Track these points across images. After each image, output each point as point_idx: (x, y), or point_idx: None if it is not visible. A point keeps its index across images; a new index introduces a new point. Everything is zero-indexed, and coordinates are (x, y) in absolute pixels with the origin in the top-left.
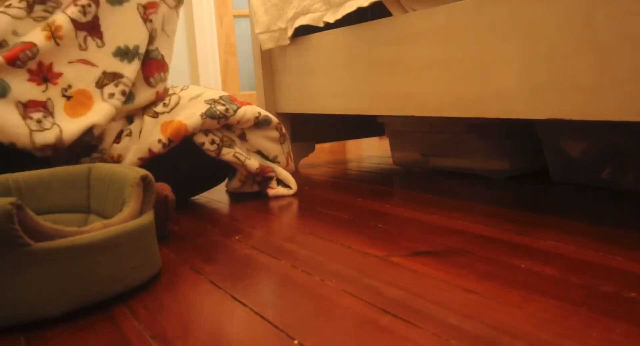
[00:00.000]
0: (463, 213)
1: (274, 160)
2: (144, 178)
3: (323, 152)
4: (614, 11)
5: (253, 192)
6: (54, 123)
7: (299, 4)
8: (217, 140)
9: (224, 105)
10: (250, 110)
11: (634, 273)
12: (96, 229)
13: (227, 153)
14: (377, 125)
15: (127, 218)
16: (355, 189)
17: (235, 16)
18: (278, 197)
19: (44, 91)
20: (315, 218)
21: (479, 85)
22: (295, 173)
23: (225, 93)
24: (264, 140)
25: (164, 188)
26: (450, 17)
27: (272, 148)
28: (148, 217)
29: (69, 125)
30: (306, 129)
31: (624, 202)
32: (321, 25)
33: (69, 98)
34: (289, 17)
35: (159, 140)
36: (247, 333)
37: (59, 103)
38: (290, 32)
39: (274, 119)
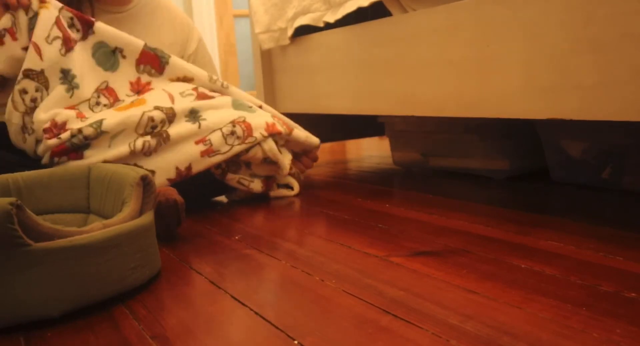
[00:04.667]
0: (463, 213)
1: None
2: (143, 178)
3: (323, 152)
4: (614, 11)
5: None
6: (101, 111)
7: (299, 4)
8: (222, 165)
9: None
10: (261, 152)
11: (634, 273)
12: (96, 229)
13: (232, 179)
14: (377, 125)
15: (127, 218)
16: (355, 189)
17: (235, 16)
18: (278, 197)
19: (127, 96)
20: (315, 218)
21: (479, 85)
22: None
23: (241, 120)
24: (269, 172)
25: (172, 193)
26: (450, 17)
27: (278, 175)
28: (148, 217)
29: (112, 118)
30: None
31: (624, 202)
32: (321, 25)
33: (132, 101)
34: (289, 17)
35: (168, 179)
36: (247, 333)
37: (120, 104)
38: (290, 32)
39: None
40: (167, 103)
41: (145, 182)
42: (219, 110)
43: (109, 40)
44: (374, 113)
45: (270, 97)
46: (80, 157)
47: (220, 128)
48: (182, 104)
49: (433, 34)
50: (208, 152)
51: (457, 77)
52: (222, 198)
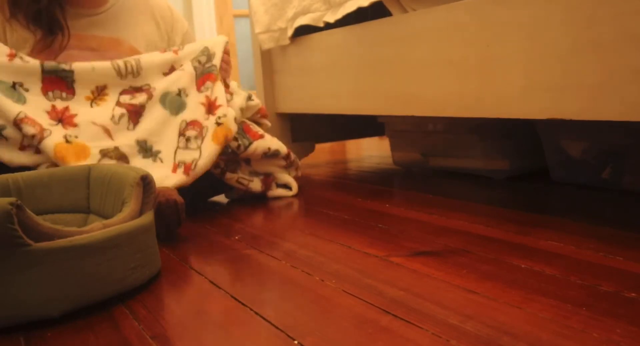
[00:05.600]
0: (463, 213)
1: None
2: (143, 178)
3: (323, 152)
4: (615, 11)
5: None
6: (198, 147)
7: (299, 4)
8: (221, 164)
9: (236, 139)
10: (261, 146)
11: (634, 273)
12: (96, 229)
13: (231, 179)
14: (377, 125)
15: (127, 218)
16: (355, 189)
17: (235, 16)
18: (277, 197)
19: (51, 125)
20: (315, 218)
21: (479, 85)
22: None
23: (239, 121)
24: (269, 167)
25: (172, 193)
26: (450, 17)
27: (277, 170)
28: (148, 217)
29: (208, 151)
30: (306, 129)
31: (624, 202)
32: (321, 25)
33: (219, 124)
34: (289, 17)
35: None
36: (247, 333)
37: (211, 129)
38: (290, 32)
39: (283, 150)
40: (107, 142)
41: (145, 182)
42: (159, 125)
43: (3, 76)
44: (374, 113)
45: (270, 97)
46: None
47: (177, 146)
48: (125, 139)
49: (433, 34)
50: (188, 169)
51: (457, 77)
52: (222, 198)
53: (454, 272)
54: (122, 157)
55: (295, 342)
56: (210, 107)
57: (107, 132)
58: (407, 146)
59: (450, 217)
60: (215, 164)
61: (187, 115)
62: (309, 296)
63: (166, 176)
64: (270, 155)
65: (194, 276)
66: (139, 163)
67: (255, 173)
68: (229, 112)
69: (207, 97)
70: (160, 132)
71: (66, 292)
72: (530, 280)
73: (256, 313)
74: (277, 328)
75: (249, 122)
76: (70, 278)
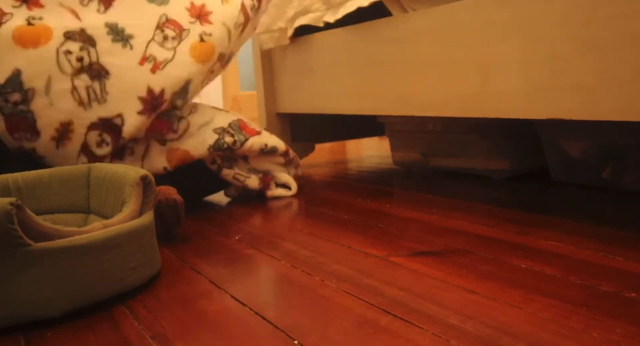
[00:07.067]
0: (463, 213)
1: (278, 181)
2: (143, 178)
3: (323, 152)
4: (614, 11)
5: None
6: (173, 48)
7: (299, 4)
8: (217, 160)
9: (232, 135)
10: (258, 142)
11: (634, 273)
12: (96, 229)
13: (227, 175)
14: (377, 125)
15: (127, 218)
16: (355, 189)
17: None
18: (278, 197)
19: (13, 6)
20: (315, 218)
21: (479, 85)
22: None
23: (235, 119)
24: (267, 164)
25: (172, 192)
26: (450, 17)
27: (276, 169)
28: (148, 217)
29: (182, 59)
30: (306, 129)
31: (624, 202)
32: (321, 25)
33: (202, 40)
34: (289, 17)
35: (164, 168)
36: (247, 333)
37: (191, 39)
38: (290, 32)
39: (281, 147)
40: (73, 23)
41: (145, 182)
42: (135, 11)
43: None
44: (374, 113)
45: (270, 97)
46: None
47: (152, 38)
48: (93, 21)
49: (433, 34)
50: (157, 66)
51: (457, 77)
52: (222, 198)
53: (454, 272)
54: (88, 39)
55: (295, 342)
56: (199, 15)
57: (74, 13)
58: (407, 146)
59: (450, 217)
60: (212, 160)
61: (169, 10)
62: (309, 296)
63: (131, 67)
64: (267, 151)
65: (194, 276)
66: (107, 46)
67: (254, 171)
68: (216, 32)
69: (192, 3)
70: (134, 16)
71: (66, 292)
72: (530, 280)
73: (256, 313)
74: (277, 328)
75: (245, 120)
76: (70, 278)
